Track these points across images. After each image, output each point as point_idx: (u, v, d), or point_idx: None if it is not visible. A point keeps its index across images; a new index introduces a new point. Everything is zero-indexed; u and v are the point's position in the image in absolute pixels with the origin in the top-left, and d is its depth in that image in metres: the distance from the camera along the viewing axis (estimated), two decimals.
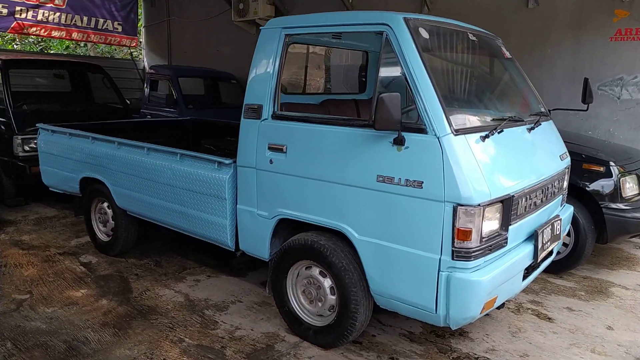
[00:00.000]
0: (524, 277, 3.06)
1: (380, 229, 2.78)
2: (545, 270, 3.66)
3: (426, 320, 2.78)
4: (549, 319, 3.77)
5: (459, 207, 2.48)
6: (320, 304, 3.22)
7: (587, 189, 4.39)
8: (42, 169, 5.36)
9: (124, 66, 11.76)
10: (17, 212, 6.30)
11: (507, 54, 3.75)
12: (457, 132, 2.55)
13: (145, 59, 12.31)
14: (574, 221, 4.22)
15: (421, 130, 2.60)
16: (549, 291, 4.25)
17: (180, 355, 3.13)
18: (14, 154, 6.26)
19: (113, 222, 4.72)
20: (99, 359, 3.08)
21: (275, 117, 3.24)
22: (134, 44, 11.88)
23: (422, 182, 2.58)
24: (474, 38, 3.39)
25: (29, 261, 4.67)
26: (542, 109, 3.63)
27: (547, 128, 3.58)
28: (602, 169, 4.39)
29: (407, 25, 2.74)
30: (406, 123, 2.62)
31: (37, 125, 5.33)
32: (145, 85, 9.55)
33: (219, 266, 4.63)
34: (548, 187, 3.21)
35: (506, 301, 3.16)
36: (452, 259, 2.54)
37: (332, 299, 3.14)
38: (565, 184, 3.67)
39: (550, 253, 3.43)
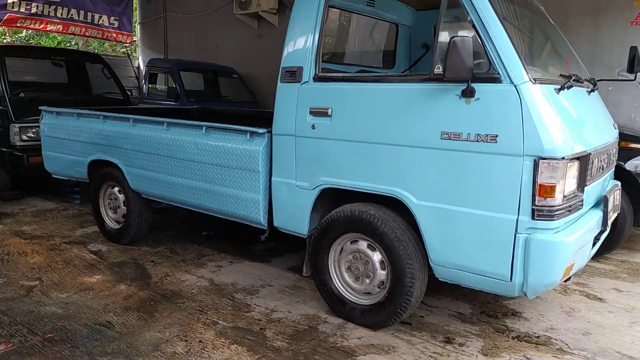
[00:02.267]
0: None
1: (444, 192, 2.54)
2: None
3: (497, 291, 2.53)
4: (600, 299, 3.56)
5: (540, 160, 2.25)
6: (368, 281, 2.95)
7: (624, 167, 4.22)
8: (44, 154, 5.02)
9: (117, 63, 11.39)
10: (13, 205, 5.93)
11: (551, 21, 3.58)
12: (535, 80, 2.34)
13: (140, 56, 11.97)
14: None
15: (494, 79, 2.38)
16: (590, 274, 4.04)
17: (216, 337, 2.84)
18: (10, 143, 5.90)
19: (125, 207, 4.41)
20: (127, 342, 2.77)
21: (317, 79, 3.00)
22: (129, 41, 11.55)
23: (497, 136, 2.34)
24: None
25: (34, 250, 4.33)
26: (589, 77, 3.45)
27: (598, 96, 3.40)
28: None
29: None
30: (475, 73, 2.39)
31: (40, 107, 5.01)
32: (143, 80, 9.25)
33: (239, 253, 4.35)
34: (610, 153, 3.01)
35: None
36: (533, 218, 2.30)
37: (382, 274, 2.88)
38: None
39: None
